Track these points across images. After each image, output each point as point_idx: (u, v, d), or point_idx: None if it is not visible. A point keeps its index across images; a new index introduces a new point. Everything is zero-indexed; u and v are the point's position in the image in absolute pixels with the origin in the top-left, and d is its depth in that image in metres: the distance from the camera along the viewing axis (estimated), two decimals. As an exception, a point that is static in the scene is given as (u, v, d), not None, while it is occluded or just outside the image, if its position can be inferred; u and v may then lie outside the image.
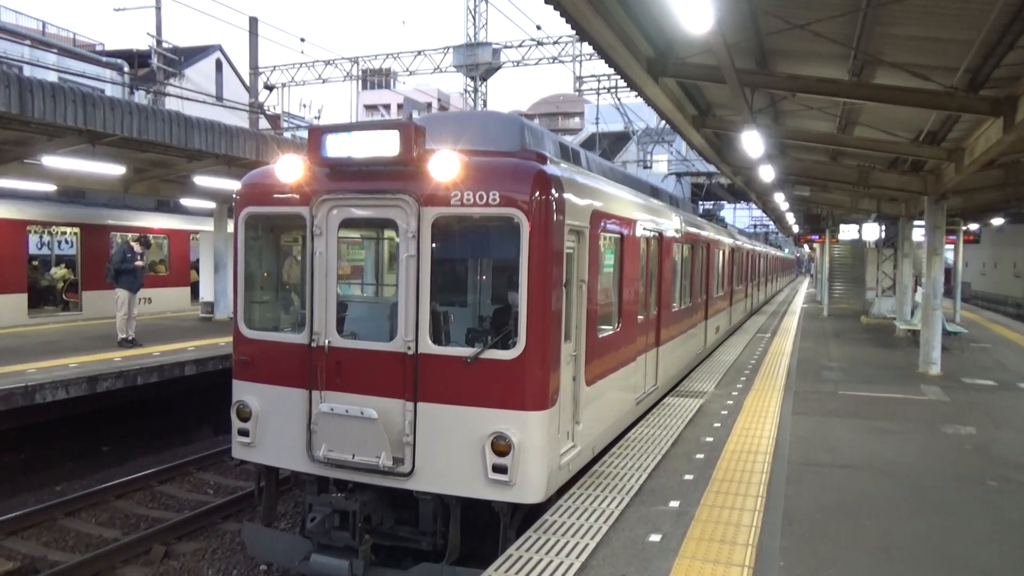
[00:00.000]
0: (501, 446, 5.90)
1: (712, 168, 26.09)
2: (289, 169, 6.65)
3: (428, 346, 6.19)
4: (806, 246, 50.92)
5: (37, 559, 8.61)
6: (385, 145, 6.19)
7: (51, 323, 16.68)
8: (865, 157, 14.76)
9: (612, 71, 8.91)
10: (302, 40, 33.27)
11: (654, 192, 12.30)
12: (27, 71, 23.38)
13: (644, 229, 9.35)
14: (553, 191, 6.11)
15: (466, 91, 32.36)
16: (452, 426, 6.09)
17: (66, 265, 19.49)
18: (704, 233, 14.88)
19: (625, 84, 9.36)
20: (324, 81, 32.99)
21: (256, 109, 30.33)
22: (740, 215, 61.12)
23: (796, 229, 39.28)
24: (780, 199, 21.97)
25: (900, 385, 12.18)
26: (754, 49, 8.60)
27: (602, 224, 7.48)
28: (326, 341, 6.52)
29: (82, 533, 9.40)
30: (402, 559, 6.69)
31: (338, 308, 6.70)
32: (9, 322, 15.62)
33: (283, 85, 33.17)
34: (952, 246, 23.29)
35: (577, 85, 32.68)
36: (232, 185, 9.67)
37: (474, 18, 31.23)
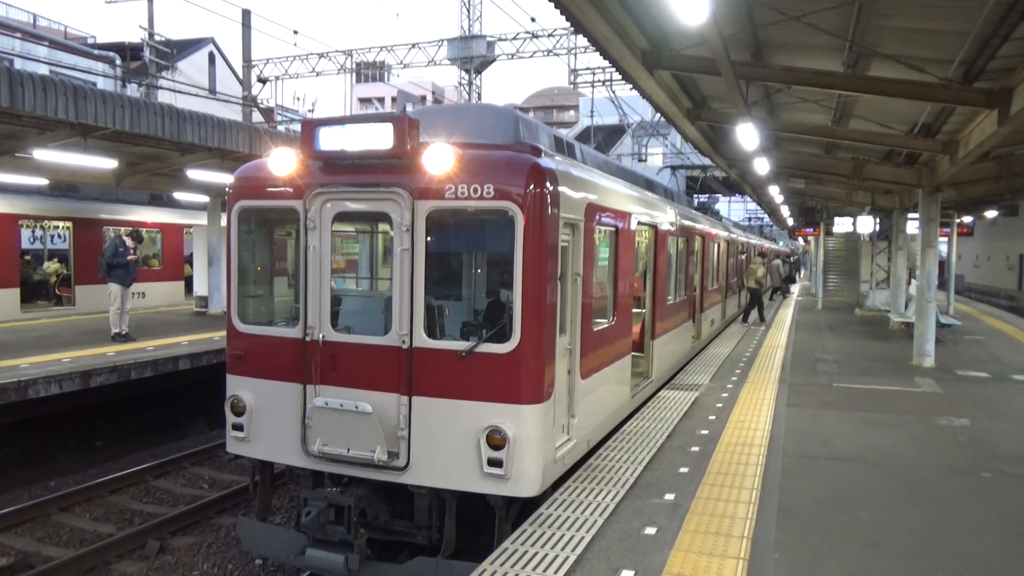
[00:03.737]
0: (496, 440, 5.89)
1: (707, 161, 26.07)
2: (282, 162, 6.61)
3: (423, 340, 6.17)
4: (800, 239, 51.01)
5: (31, 554, 8.59)
6: (379, 138, 6.16)
7: (44, 318, 16.61)
8: (860, 150, 14.76)
9: (607, 64, 8.89)
10: (295, 33, 33.35)
11: (649, 185, 12.29)
12: (18, 64, 23.22)
13: (639, 222, 9.34)
14: (548, 184, 6.09)
15: (460, 84, 32.26)
16: (447, 420, 6.08)
17: (59, 259, 19.39)
18: (699, 226, 14.88)
19: (620, 77, 9.34)
20: (318, 74, 32.86)
21: (249, 102, 30.17)
22: (735, 208, 61.27)
23: (791, 222, 39.35)
24: (775, 192, 22.00)
25: (894, 377, 12.22)
26: (749, 41, 8.57)
27: (597, 217, 7.46)
28: (320, 335, 6.49)
29: (76, 528, 9.38)
30: (398, 553, 6.69)
31: (332, 302, 6.67)
32: (1, 317, 15.54)
33: (276, 78, 33.02)
34: (946, 239, 23.36)
35: (572, 78, 32.64)
36: (225, 179, 9.62)
37: (468, 11, 31.11)
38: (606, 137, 42.69)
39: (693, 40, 7.92)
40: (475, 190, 5.99)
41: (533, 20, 30.16)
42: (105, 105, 10.52)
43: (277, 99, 35.86)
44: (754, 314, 20.93)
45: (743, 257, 25.33)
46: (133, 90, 28.27)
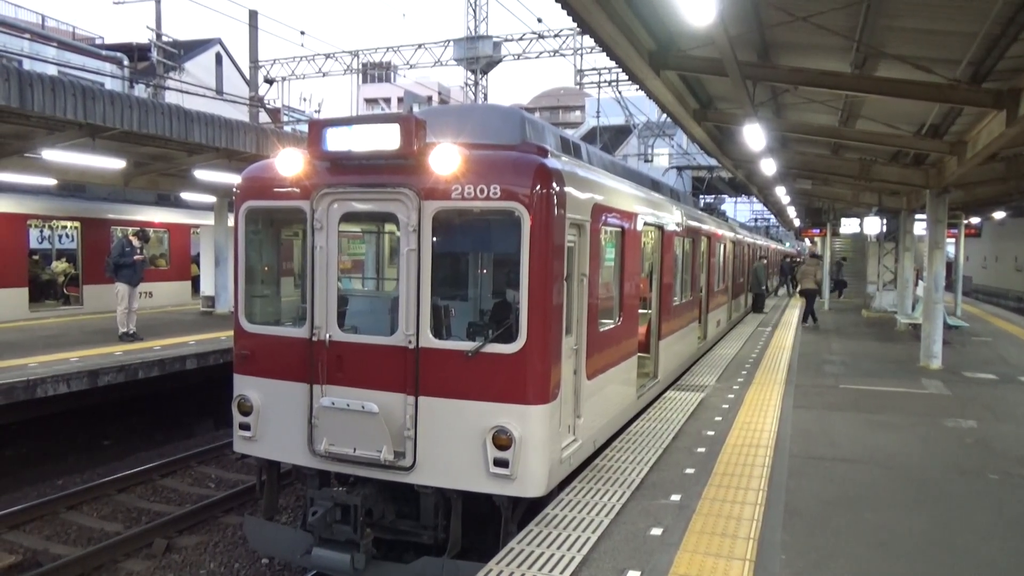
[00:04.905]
0: (502, 440, 5.89)
1: (713, 162, 26.06)
2: (289, 163, 6.63)
3: (429, 340, 6.18)
4: (807, 240, 50.88)
5: (39, 552, 8.63)
6: (385, 139, 6.16)
7: (52, 317, 16.70)
8: (867, 150, 14.72)
9: (613, 64, 8.87)
10: (302, 33, 33.15)
11: (655, 186, 12.28)
12: (27, 65, 23.32)
13: (645, 223, 9.33)
14: (554, 185, 6.09)
15: (467, 84, 32.30)
16: (453, 420, 6.09)
17: (67, 259, 19.49)
18: (705, 227, 14.86)
19: (626, 77, 9.34)
20: (324, 75, 32.93)
21: (256, 103, 30.26)
22: (741, 209, 61.14)
23: (797, 223, 39.25)
24: (781, 193, 21.93)
25: (901, 379, 12.18)
26: (756, 42, 8.56)
27: (603, 218, 7.46)
28: (327, 335, 6.51)
29: (84, 527, 9.42)
30: (403, 553, 6.70)
31: (339, 302, 6.69)
32: (10, 316, 15.62)
33: (283, 79, 33.11)
34: (953, 240, 23.26)
35: (578, 78, 32.58)
36: (232, 179, 9.65)
37: (474, 11, 31.14)
38: (612, 137, 42.63)
39: (700, 41, 7.91)
40: (481, 191, 5.99)
41: (540, 21, 30.21)
42: (113, 106, 10.57)
43: (284, 100, 36.07)
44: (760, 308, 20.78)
45: (764, 261, 25.29)
46: (140, 91, 28.38)
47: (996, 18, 6.62)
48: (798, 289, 22.46)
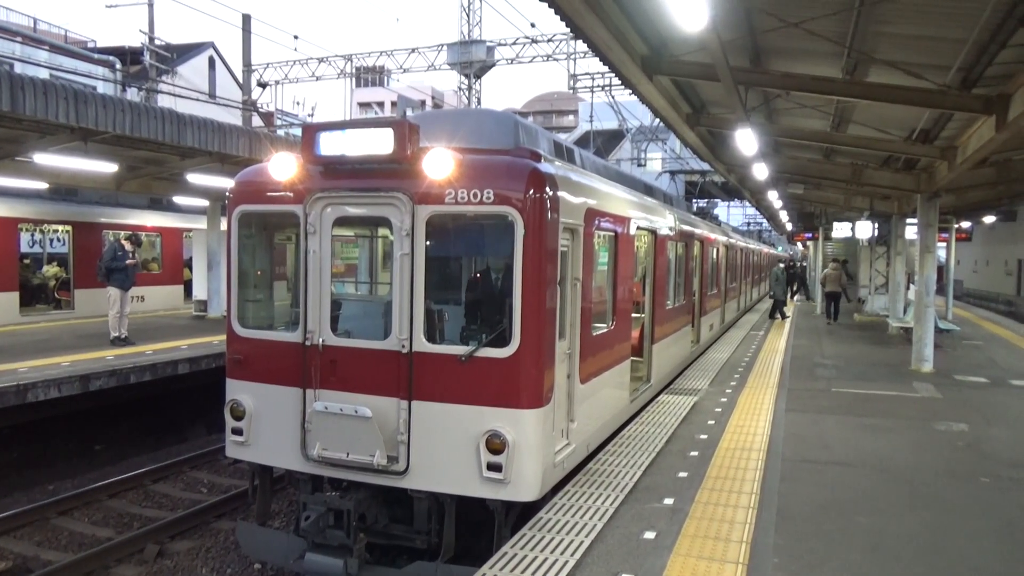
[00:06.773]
0: (496, 444, 5.89)
1: (706, 166, 26.15)
2: (283, 167, 6.63)
3: (422, 344, 6.18)
4: (799, 244, 51.05)
5: (30, 559, 8.58)
6: (379, 143, 6.17)
7: (43, 321, 16.61)
8: (858, 155, 14.81)
9: (606, 69, 8.91)
10: (296, 37, 33.46)
11: (648, 190, 12.31)
12: (18, 68, 23.23)
13: (638, 227, 9.36)
14: (547, 189, 6.11)
15: (460, 89, 32.32)
16: (446, 424, 6.08)
17: (58, 263, 19.40)
18: (698, 231, 14.90)
19: (619, 82, 9.37)
20: (318, 79, 32.97)
21: (249, 107, 30.22)
22: (734, 213, 61.31)
23: (789, 227, 39.42)
24: (773, 197, 22.03)
25: (893, 382, 12.23)
26: (748, 47, 8.61)
27: (596, 222, 7.48)
28: (320, 340, 6.50)
29: (75, 532, 9.37)
30: (397, 557, 6.68)
31: (332, 306, 6.68)
32: (1, 320, 15.54)
33: (276, 83, 33.11)
34: (944, 244, 23.37)
35: (571, 83, 32.69)
36: (225, 183, 9.65)
37: (468, 16, 31.19)
38: (605, 142, 42.77)
39: (692, 46, 7.95)
40: (475, 195, 6.00)
41: (533, 25, 30.45)
42: (106, 109, 10.54)
43: (277, 103, 35.95)
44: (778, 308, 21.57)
45: (782, 266, 25.64)
46: (133, 94, 28.32)
47: (985, 25, 6.69)
48: (824, 291, 23.38)
